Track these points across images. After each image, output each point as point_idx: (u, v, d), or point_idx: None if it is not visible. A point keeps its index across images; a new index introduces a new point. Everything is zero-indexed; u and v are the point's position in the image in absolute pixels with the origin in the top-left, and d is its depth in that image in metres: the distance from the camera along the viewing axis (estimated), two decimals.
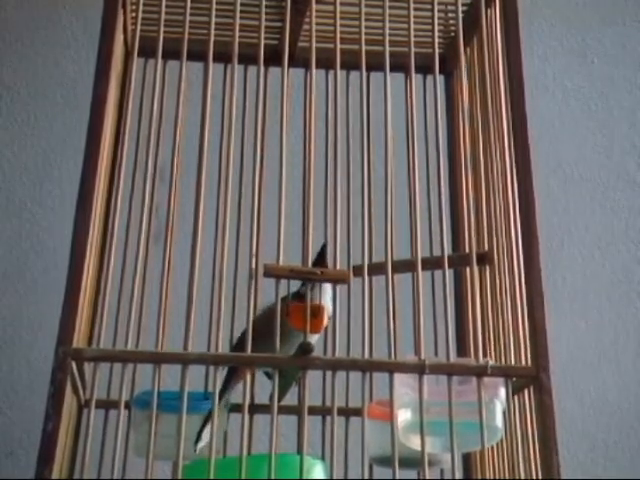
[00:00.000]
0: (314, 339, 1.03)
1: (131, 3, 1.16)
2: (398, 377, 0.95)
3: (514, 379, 0.98)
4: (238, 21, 1.05)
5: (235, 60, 1.03)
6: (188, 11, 1.06)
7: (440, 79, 1.10)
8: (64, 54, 1.62)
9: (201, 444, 1.07)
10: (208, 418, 1.07)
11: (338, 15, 1.08)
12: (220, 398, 1.08)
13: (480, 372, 0.95)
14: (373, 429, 1.02)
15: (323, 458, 1.11)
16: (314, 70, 1.06)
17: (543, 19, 1.73)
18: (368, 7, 1.09)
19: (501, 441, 1.03)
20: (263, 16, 1.06)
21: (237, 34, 1.05)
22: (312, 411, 1.09)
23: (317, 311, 1.02)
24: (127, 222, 1.14)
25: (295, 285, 1.08)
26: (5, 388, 1.49)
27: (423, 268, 0.99)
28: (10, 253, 1.54)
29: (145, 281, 1.13)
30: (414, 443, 0.97)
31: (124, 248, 1.15)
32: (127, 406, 1.08)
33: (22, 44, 1.61)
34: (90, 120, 1.04)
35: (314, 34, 1.06)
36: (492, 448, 1.09)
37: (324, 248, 1.06)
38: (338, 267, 0.99)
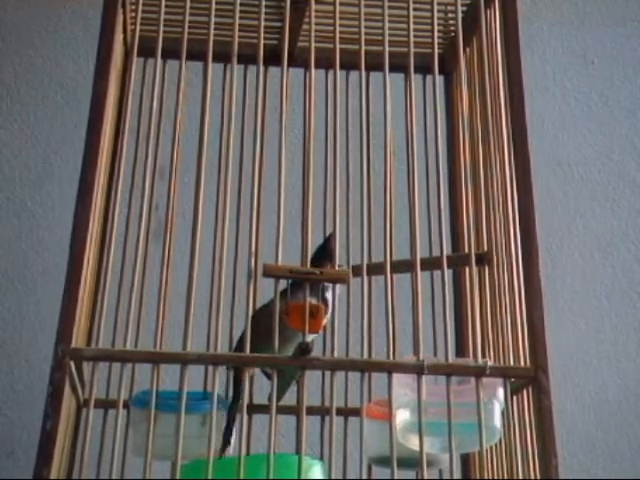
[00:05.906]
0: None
1: (131, 3, 1.16)
2: (397, 377, 0.94)
3: (513, 380, 0.98)
4: (238, 21, 1.06)
5: (235, 60, 1.04)
6: (188, 11, 1.06)
7: (440, 79, 1.10)
8: (64, 54, 1.62)
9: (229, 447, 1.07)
10: (230, 421, 1.06)
11: (338, 15, 1.08)
12: (237, 401, 1.08)
13: (479, 372, 0.95)
14: (372, 429, 1.02)
15: (322, 458, 1.10)
16: (313, 70, 1.06)
17: (543, 19, 1.72)
18: (368, 7, 1.09)
19: (500, 441, 1.03)
20: (263, 16, 1.07)
21: (237, 34, 1.05)
22: (311, 411, 1.09)
23: (316, 311, 1.02)
24: (127, 220, 1.14)
25: None
26: (5, 388, 1.49)
27: (422, 268, 0.99)
28: (10, 253, 1.54)
29: (144, 281, 1.13)
30: (412, 443, 0.97)
31: (123, 246, 1.15)
32: (126, 405, 1.08)
33: (22, 44, 1.61)
34: (90, 118, 1.04)
35: (313, 34, 1.07)
36: (491, 449, 1.09)
37: (330, 239, 1.04)
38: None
